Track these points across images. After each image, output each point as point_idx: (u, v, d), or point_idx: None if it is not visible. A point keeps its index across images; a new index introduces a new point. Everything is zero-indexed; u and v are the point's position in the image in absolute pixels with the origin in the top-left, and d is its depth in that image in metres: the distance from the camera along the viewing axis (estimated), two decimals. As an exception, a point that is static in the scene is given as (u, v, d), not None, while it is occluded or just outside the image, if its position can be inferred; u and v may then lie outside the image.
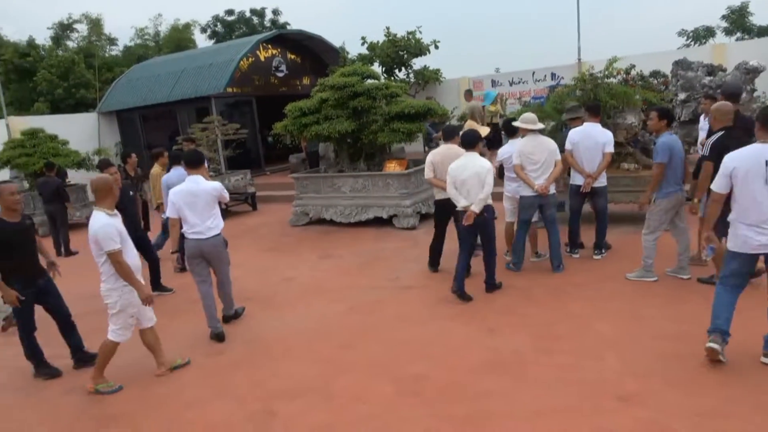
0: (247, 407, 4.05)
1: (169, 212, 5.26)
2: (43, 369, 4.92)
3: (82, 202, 13.09)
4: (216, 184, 5.36)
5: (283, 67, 17.73)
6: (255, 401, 4.12)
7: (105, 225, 4.24)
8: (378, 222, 9.35)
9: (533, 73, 16.24)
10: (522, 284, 5.99)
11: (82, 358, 5.04)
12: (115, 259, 4.22)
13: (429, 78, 16.84)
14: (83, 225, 12.89)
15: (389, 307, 5.80)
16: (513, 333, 4.85)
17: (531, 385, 3.96)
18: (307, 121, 9.72)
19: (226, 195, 5.49)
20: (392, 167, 9.41)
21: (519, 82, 16.44)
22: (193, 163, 5.37)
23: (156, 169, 8.38)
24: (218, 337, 5.29)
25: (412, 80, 16.92)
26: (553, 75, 15.82)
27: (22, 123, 15.11)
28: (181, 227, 5.31)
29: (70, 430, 4.02)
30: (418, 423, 3.63)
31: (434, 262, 6.79)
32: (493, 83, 16.67)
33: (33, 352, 4.92)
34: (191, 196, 5.16)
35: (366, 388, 4.17)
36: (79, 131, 16.19)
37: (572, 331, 4.75)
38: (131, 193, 7.02)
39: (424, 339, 4.92)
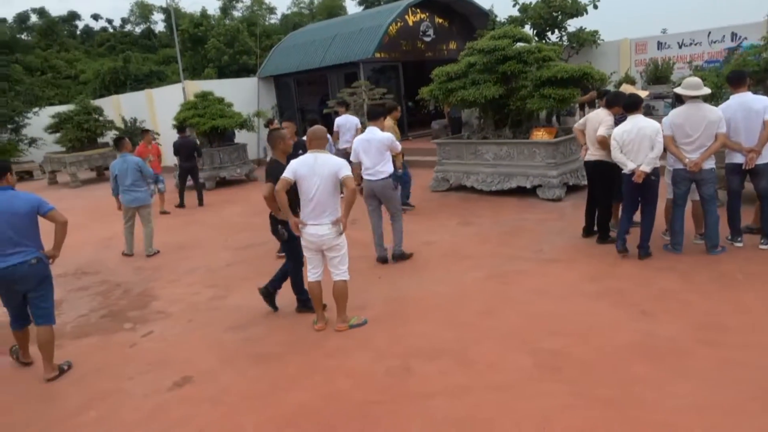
0: (385, 361, 4.20)
1: (352, 156, 6.29)
2: (310, 303, 5.13)
3: (242, 160, 14.29)
4: (388, 135, 6.27)
5: (431, 32, 17.59)
6: (393, 357, 4.25)
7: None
8: (520, 192, 9.05)
9: (709, 33, 14.38)
10: (683, 268, 5.45)
11: (305, 303, 5.29)
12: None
13: (585, 40, 15.67)
14: (242, 181, 14.19)
15: (530, 278, 5.62)
16: (670, 320, 4.45)
17: (689, 376, 3.62)
18: (453, 86, 9.59)
19: (398, 146, 6.38)
20: (540, 135, 8.98)
21: (690, 44, 14.66)
22: (372, 116, 6.53)
23: (389, 121, 8.30)
24: (381, 259, 6.47)
25: (566, 43, 15.89)
26: (733, 35, 13.88)
27: (195, 87, 16.74)
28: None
29: (232, 360, 4.48)
30: (556, 398, 3.50)
31: (587, 227, 6.68)
32: (659, 45, 15.08)
33: (301, 287, 5.26)
34: (366, 143, 6.22)
35: (503, 356, 4.11)
36: (241, 95, 17.56)
37: (742, 325, 4.23)
38: (300, 151, 7.53)
39: (566, 315, 4.71)
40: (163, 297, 6.20)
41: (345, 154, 10.62)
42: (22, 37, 41.62)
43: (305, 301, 5.28)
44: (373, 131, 6.26)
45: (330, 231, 4.61)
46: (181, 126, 11.62)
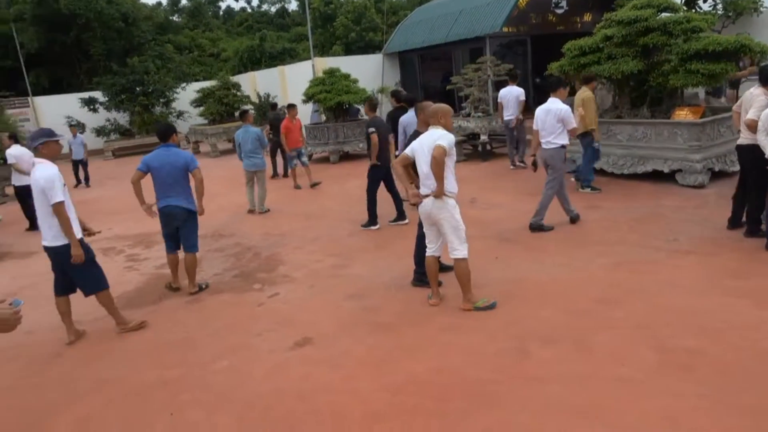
0: (499, 342, 4.14)
1: (534, 125, 6.77)
2: (424, 279, 5.21)
3: (365, 135, 14.63)
4: (565, 108, 6.52)
5: (564, 3, 16.63)
6: (508, 338, 4.18)
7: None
8: (656, 176, 8.38)
9: None
10: None
11: (421, 278, 5.30)
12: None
13: (743, 8, 13.96)
14: (365, 155, 14.53)
15: (662, 269, 5.22)
16: (830, 325, 3.92)
17: None
18: (586, 61, 9.03)
19: (571, 120, 6.55)
20: (683, 115, 8.21)
21: None
22: (553, 86, 6.77)
23: (587, 92, 8.26)
24: (573, 219, 6.84)
25: (721, 11, 14.26)
26: None
27: (324, 63, 17.37)
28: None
29: (350, 326, 4.68)
30: (685, 399, 3.25)
31: (734, 218, 6.11)
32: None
33: (422, 261, 5.21)
34: (545, 113, 6.60)
35: (626, 348, 3.88)
36: (366, 71, 17.93)
37: None
38: (371, 129, 7.96)
39: (702, 311, 4.32)
40: (289, 262, 6.59)
41: (508, 126, 10.59)
42: (174, 18, 45.54)
43: (422, 275, 5.35)
44: (554, 102, 6.60)
45: (431, 203, 4.63)
46: (273, 103, 12.40)
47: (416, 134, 5.19)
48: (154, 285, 6.29)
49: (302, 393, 3.72)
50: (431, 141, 4.55)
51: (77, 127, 14.96)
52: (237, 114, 15.25)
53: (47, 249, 4.79)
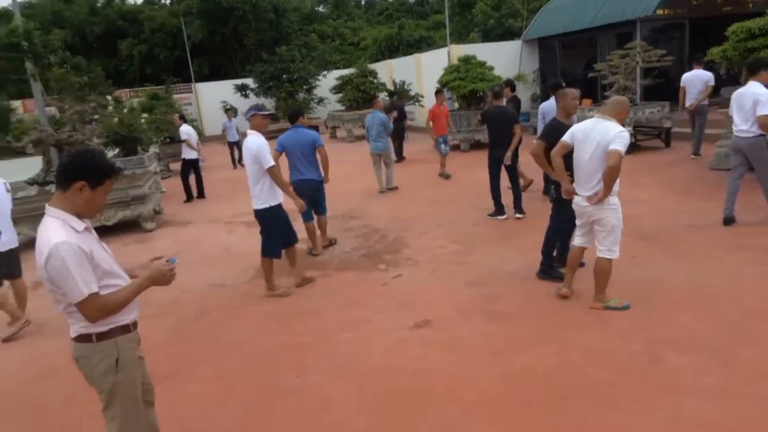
0: (628, 344, 3.91)
1: (729, 110, 6.27)
2: (553, 272, 5.17)
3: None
4: (762, 92, 5.79)
5: (733, -19, 14.86)
6: (638, 341, 3.93)
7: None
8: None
9: None
10: None
11: (548, 271, 5.23)
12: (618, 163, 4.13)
13: None
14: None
15: (833, 284, 4.56)
16: None
17: None
18: (755, 45, 8.03)
19: (764, 108, 5.76)
20: None
21: None
22: (751, 68, 6.07)
23: None
24: (728, 221, 6.15)
25: None
26: None
27: (459, 50, 17.23)
28: None
29: (469, 313, 4.68)
30: None
31: None
32: None
33: (550, 254, 5.23)
34: (739, 98, 6.01)
35: (780, 368, 3.46)
36: (503, 58, 17.49)
37: None
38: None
39: None
40: (413, 246, 6.72)
41: (690, 112, 9.90)
42: (319, 9, 47.79)
43: (548, 269, 5.19)
44: (754, 86, 5.91)
45: (589, 203, 4.37)
46: (393, 91, 12.58)
47: (556, 122, 4.98)
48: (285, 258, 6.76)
49: (417, 371, 3.81)
50: (605, 139, 4.14)
51: (231, 111, 16.27)
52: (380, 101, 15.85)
53: (255, 212, 5.51)
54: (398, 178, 10.48)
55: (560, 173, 4.56)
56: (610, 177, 4.15)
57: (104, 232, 8.17)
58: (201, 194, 11.34)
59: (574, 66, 17.48)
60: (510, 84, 9.72)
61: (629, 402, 3.26)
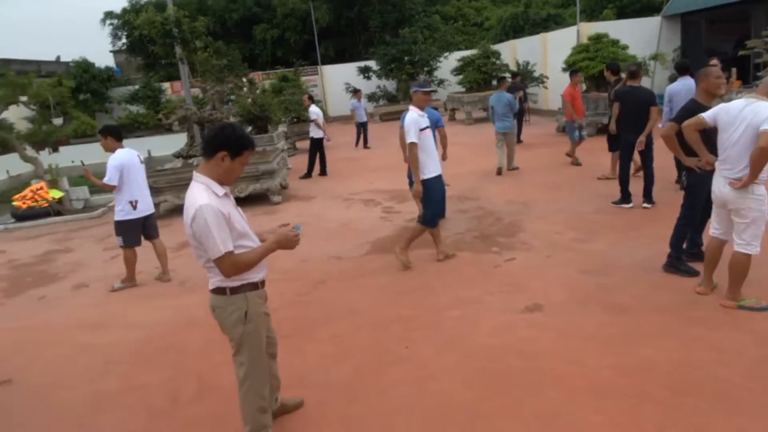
0: (764, 348, 3.59)
1: None
2: (681, 265, 4.89)
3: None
4: None
5: None
6: (775, 345, 3.60)
7: None
8: None
9: None
10: None
11: (675, 264, 4.91)
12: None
13: None
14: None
15: None
16: None
17: None
18: None
19: None
20: None
21: None
22: None
23: None
24: None
25: None
26: None
27: (590, 29, 16.29)
28: None
29: (583, 301, 4.54)
30: None
31: None
32: None
33: (679, 245, 4.92)
34: None
35: None
36: (639, 36, 16.26)
37: None
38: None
39: None
40: (528, 230, 6.60)
41: None
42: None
43: (676, 261, 4.87)
44: None
45: (731, 190, 4.03)
46: (516, 72, 12.10)
47: (694, 104, 4.60)
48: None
49: (524, 353, 3.80)
50: (757, 120, 3.79)
51: (360, 92, 16.52)
52: (494, 82, 15.47)
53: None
54: (516, 161, 10.28)
55: (698, 146, 4.23)
56: (758, 159, 3.79)
57: (237, 202, 8.90)
58: (323, 172, 11.90)
59: (721, 43, 15.84)
60: (612, 67, 8.96)
61: (757, 408, 3.01)
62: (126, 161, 5.71)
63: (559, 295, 4.72)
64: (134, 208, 5.82)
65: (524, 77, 17.58)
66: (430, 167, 5.55)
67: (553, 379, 3.45)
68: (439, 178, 5.64)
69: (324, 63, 27.69)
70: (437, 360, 3.84)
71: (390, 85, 24.07)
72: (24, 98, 12.21)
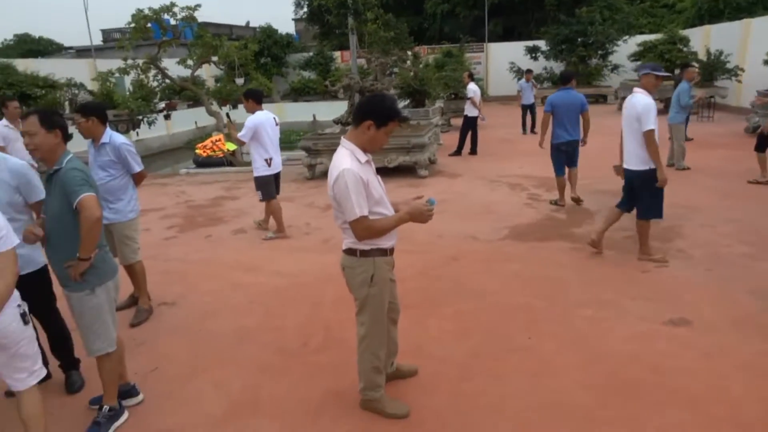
0: None
1: None
2: None
3: None
4: None
5: None
6: None
7: None
8: None
9: None
10: None
11: None
12: None
13: None
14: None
15: None
16: None
17: None
18: None
19: None
20: None
21: None
22: None
23: None
24: None
25: None
26: None
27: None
28: None
29: (742, 324, 4.05)
30: None
31: None
32: None
33: None
34: None
35: None
36: None
37: None
38: None
39: None
40: (689, 238, 5.97)
41: None
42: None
43: None
44: None
45: None
46: (706, 62, 10.39)
47: None
48: (544, 224, 6.69)
49: (659, 368, 3.50)
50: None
51: (530, 72, 15.01)
52: (677, 71, 14.00)
53: (626, 171, 5.38)
54: (687, 161, 9.28)
55: None
56: None
57: (385, 172, 9.19)
58: (473, 151, 11.79)
59: None
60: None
61: None
62: (261, 122, 6.26)
63: (712, 312, 4.24)
64: (269, 165, 6.44)
65: (714, 67, 15.66)
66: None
67: (687, 401, 3.15)
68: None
69: (491, 40, 27.11)
70: (560, 357, 3.69)
71: (557, 67, 22.87)
72: (215, 58, 13.67)
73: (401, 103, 14.06)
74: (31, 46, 35.49)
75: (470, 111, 11.71)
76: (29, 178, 3.25)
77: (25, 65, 19.38)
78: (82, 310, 2.99)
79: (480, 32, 27.40)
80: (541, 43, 23.31)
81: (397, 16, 18.09)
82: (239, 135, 6.34)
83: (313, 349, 3.97)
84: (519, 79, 17.72)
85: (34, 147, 2.93)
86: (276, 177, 6.58)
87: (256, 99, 6.45)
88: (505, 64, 22.61)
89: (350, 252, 2.93)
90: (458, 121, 12.50)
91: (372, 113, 2.79)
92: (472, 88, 11.79)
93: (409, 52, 16.52)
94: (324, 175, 9.55)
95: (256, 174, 6.49)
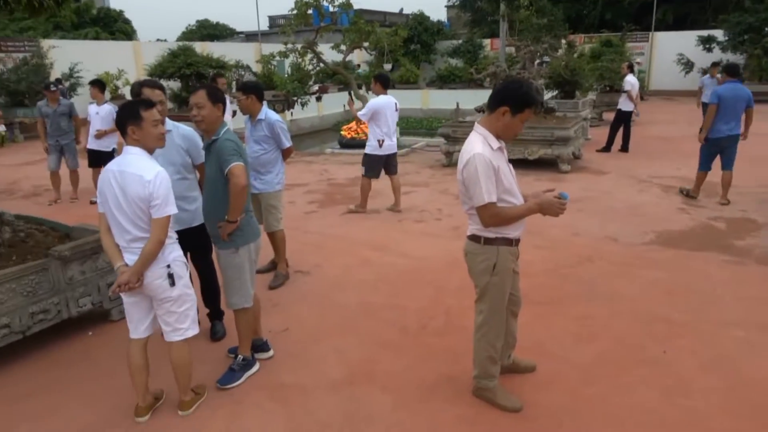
0: None
1: None
2: None
3: None
4: None
5: None
6: None
7: None
8: None
9: None
10: None
11: None
12: None
13: None
14: None
15: None
16: None
17: None
18: None
19: None
20: None
21: None
22: None
23: None
24: None
25: None
26: None
27: None
28: None
29: None
30: None
31: None
32: None
33: None
34: None
35: None
36: None
37: None
38: None
39: None
40: None
41: None
42: None
43: None
44: None
45: None
46: None
47: None
48: (699, 233, 6.06)
49: (822, 407, 3.04)
50: None
51: (716, 67, 12.73)
52: None
53: None
54: None
55: None
56: None
57: (523, 164, 8.92)
58: (624, 148, 10.98)
59: None
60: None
61: None
62: (381, 105, 6.62)
63: None
64: (380, 146, 6.75)
65: None
66: None
67: None
68: None
69: (657, 29, 24.86)
70: (697, 376, 3.36)
71: (739, 59, 20.35)
72: (366, 44, 14.16)
73: (549, 94, 13.48)
74: (209, 31, 39.51)
75: (625, 105, 10.88)
76: (197, 142, 3.72)
77: (202, 47, 21.71)
78: (227, 266, 3.32)
79: (646, 20, 25.25)
80: (718, 33, 20.88)
81: (553, 2, 17.27)
82: (359, 113, 6.81)
83: (432, 332, 4.02)
84: (688, 72, 16.06)
85: (201, 118, 3.26)
86: (389, 158, 6.93)
87: (383, 83, 6.83)
88: (672, 56, 20.71)
89: (474, 238, 2.92)
90: (611, 116, 11.68)
91: (508, 99, 2.73)
92: (630, 81, 10.91)
93: (563, 41, 15.74)
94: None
95: (366, 151, 6.92)
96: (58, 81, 17.35)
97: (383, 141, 6.72)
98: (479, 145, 2.75)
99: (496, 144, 2.80)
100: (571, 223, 6.29)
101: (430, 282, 4.90)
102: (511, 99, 2.72)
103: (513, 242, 2.91)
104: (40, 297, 3.77)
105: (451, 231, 6.33)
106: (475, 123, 2.92)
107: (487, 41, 27.59)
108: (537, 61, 11.77)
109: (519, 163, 3.01)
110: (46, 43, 18.44)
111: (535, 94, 2.86)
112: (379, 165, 6.91)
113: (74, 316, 4.00)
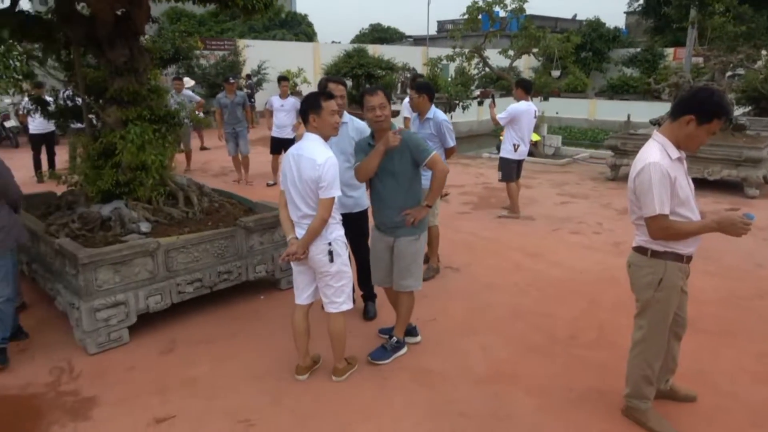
0: None
1: None
2: None
3: None
4: None
5: None
6: None
7: None
8: None
9: None
10: None
11: None
12: None
13: None
14: None
15: None
16: None
17: None
18: None
19: None
20: None
21: None
22: None
23: None
24: None
25: None
26: None
27: None
28: None
29: None
30: None
31: None
32: None
33: None
34: None
35: None
36: None
37: None
38: None
39: None
40: None
41: None
42: None
43: None
44: None
45: None
46: None
47: None
48: None
49: None
50: None
51: None
52: None
53: None
54: None
55: None
56: None
57: (700, 185, 8.12)
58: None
59: None
60: None
61: None
62: (521, 111, 6.69)
63: None
64: (515, 150, 6.78)
65: None
66: None
67: None
68: None
69: None
70: None
71: None
72: (535, 50, 13.87)
73: (740, 110, 12.09)
74: (380, 34, 41.43)
75: None
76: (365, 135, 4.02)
77: (373, 50, 22.87)
78: (406, 252, 3.52)
79: None
80: None
81: (756, 8, 15.39)
82: (498, 117, 6.87)
83: (582, 344, 3.90)
84: None
85: (384, 117, 3.40)
86: (519, 163, 6.94)
87: (525, 89, 6.87)
88: None
89: (640, 250, 2.79)
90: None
91: (695, 107, 2.58)
92: None
93: (764, 51, 13.98)
94: (627, 178, 8.96)
95: (501, 155, 7.00)
96: (248, 77, 19.44)
97: (518, 146, 6.82)
98: (656, 154, 2.63)
99: (675, 153, 2.66)
100: (754, 251, 5.65)
101: (583, 294, 4.74)
102: (700, 107, 2.56)
103: (684, 258, 2.73)
104: (226, 259, 4.35)
105: (611, 246, 6.02)
106: (654, 131, 2.79)
107: (669, 50, 25.40)
108: (728, 73, 10.64)
109: (696, 184, 2.73)
110: (241, 43, 20.81)
111: (727, 104, 2.66)
112: (514, 169, 6.96)
113: (251, 280, 4.54)
